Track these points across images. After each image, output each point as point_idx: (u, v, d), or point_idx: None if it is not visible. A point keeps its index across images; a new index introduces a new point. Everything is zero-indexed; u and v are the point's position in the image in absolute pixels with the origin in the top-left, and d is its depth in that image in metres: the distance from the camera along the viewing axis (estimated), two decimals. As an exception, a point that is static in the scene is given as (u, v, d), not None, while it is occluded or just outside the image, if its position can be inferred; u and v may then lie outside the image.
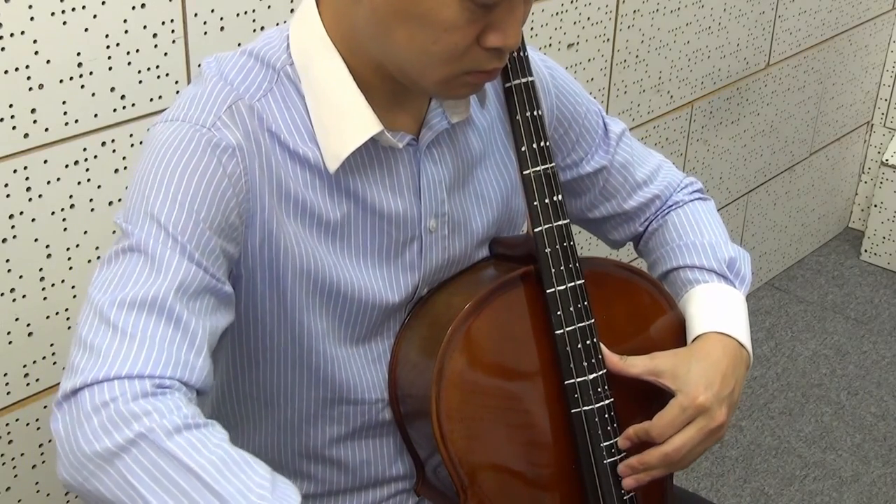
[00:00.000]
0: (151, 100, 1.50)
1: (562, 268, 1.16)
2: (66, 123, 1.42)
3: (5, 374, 1.49)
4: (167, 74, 1.50)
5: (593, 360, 1.17)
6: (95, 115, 1.45)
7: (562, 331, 1.16)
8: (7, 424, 1.52)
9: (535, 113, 1.16)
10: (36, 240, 1.45)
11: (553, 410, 1.18)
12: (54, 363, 1.53)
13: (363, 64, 1.07)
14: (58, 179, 1.44)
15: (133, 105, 1.48)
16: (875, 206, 3.28)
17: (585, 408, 1.18)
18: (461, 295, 1.18)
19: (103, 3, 1.40)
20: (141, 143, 1.49)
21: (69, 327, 1.52)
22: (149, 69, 1.48)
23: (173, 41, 1.49)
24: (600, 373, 1.18)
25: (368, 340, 1.18)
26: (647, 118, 2.42)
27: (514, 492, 1.18)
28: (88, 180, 1.47)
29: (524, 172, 1.16)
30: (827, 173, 3.26)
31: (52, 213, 1.45)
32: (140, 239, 1.00)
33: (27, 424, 1.54)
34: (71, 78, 1.40)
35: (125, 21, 1.43)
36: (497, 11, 0.99)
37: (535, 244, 1.16)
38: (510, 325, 1.17)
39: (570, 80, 1.30)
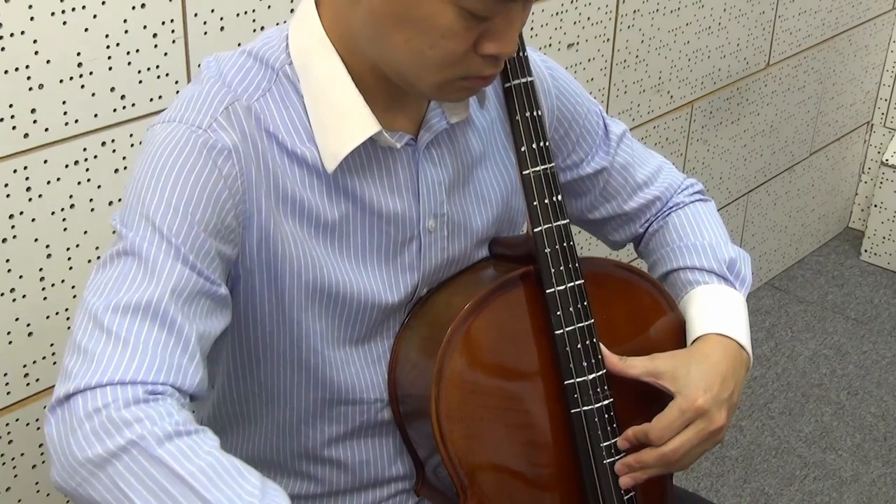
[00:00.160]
0: (151, 100, 1.50)
1: (561, 268, 1.16)
2: (66, 123, 1.42)
3: (5, 374, 1.49)
4: (167, 74, 1.50)
5: (593, 361, 1.17)
6: (95, 115, 1.45)
7: (561, 331, 1.16)
8: (7, 424, 1.52)
9: (535, 113, 1.16)
10: (36, 240, 1.45)
11: (553, 410, 1.18)
12: (54, 363, 1.53)
13: (361, 64, 1.07)
14: (58, 179, 1.44)
15: (133, 105, 1.48)
16: (875, 206, 3.28)
17: (585, 408, 1.18)
18: (461, 295, 1.18)
19: (103, 3, 1.40)
20: (141, 143, 1.49)
21: (69, 327, 1.52)
22: (149, 69, 1.48)
23: (173, 41, 1.49)
24: (600, 373, 1.18)
25: (368, 341, 1.18)
26: (647, 118, 2.42)
27: (514, 492, 1.18)
28: (88, 180, 1.47)
29: (524, 172, 1.16)
30: (827, 173, 3.26)
31: (52, 213, 1.45)
32: (135, 242, 1.00)
33: (27, 424, 1.54)
34: (71, 78, 1.40)
35: (125, 21, 1.43)
36: (494, 20, 0.99)
37: (535, 244, 1.16)
38: (510, 325, 1.17)
39: (571, 81, 1.30)
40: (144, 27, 1.45)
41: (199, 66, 1.46)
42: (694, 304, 1.27)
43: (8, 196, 1.40)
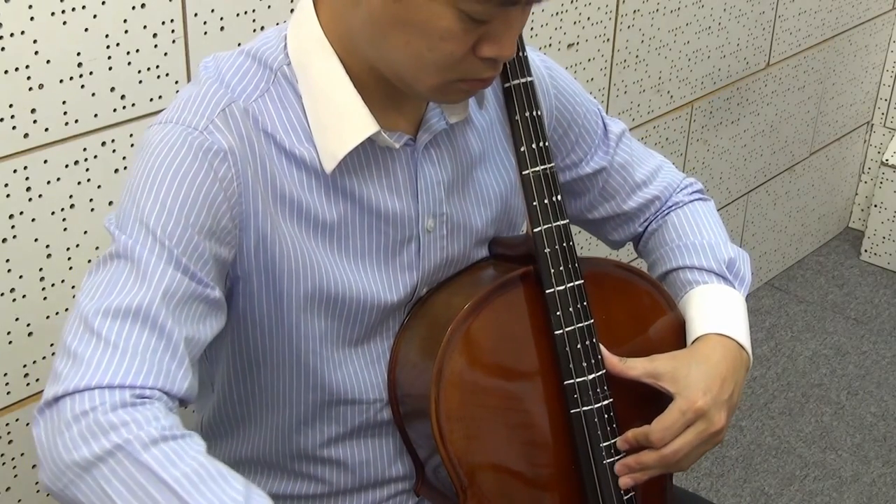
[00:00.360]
0: (151, 100, 1.50)
1: (561, 268, 1.16)
2: (66, 123, 1.42)
3: (5, 374, 1.49)
4: (167, 74, 1.50)
5: (593, 361, 1.17)
6: (95, 115, 1.45)
7: (561, 331, 1.16)
8: (7, 424, 1.52)
9: (535, 113, 1.15)
10: (36, 240, 1.45)
11: (552, 411, 1.18)
12: (54, 363, 1.53)
13: (360, 65, 1.07)
14: (58, 179, 1.44)
15: (133, 105, 1.48)
16: (875, 206, 3.28)
17: (585, 408, 1.18)
18: (461, 295, 1.18)
19: (103, 3, 1.40)
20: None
21: (69, 327, 1.52)
22: (149, 69, 1.48)
23: (173, 41, 1.49)
24: (599, 373, 1.18)
25: (367, 341, 1.18)
26: (647, 118, 2.42)
27: (514, 492, 1.18)
28: (88, 180, 1.47)
29: (523, 173, 1.16)
30: (827, 173, 3.26)
31: (52, 213, 1.45)
32: (127, 245, 1.00)
33: (27, 424, 1.54)
34: (71, 78, 1.40)
35: (125, 21, 1.43)
36: (493, 23, 0.99)
37: (535, 244, 1.16)
38: (510, 325, 1.17)
39: (570, 80, 1.30)
40: (144, 27, 1.45)
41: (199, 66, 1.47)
42: (693, 304, 1.27)
43: (8, 196, 1.40)
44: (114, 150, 1.48)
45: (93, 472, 0.91)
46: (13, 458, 1.54)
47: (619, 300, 1.24)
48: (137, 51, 1.46)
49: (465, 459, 1.14)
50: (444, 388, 1.12)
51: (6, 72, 1.34)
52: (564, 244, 1.16)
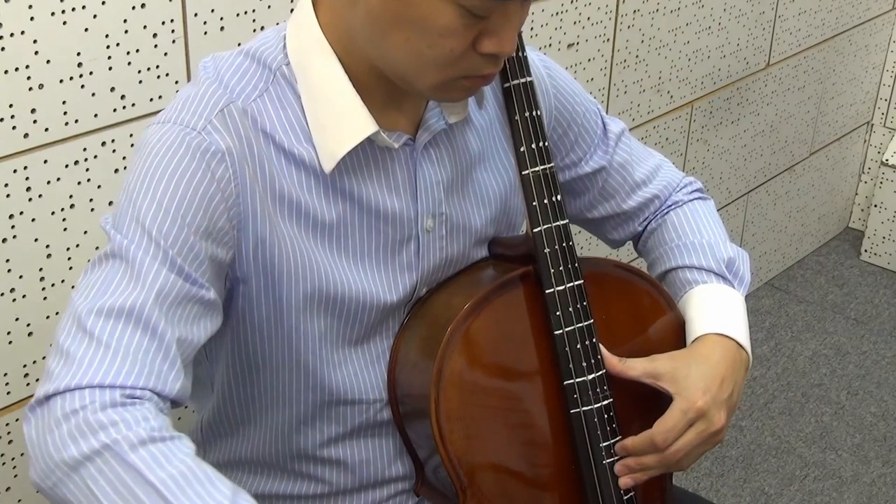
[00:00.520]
0: (151, 100, 1.50)
1: (561, 268, 1.16)
2: (66, 123, 1.42)
3: (5, 374, 1.49)
4: (167, 74, 1.50)
5: (592, 361, 1.17)
6: (95, 115, 1.45)
7: (561, 331, 1.16)
8: (7, 424, 1.52)
9: (534, 113, 1.15)
10: (36, 240, 1.45)
11: (552, 411, 1.18)
12: (54, 363, 1.53)
13: (359, 64, 1.07)
14: (58, 179, 1.44)
15: (133, 105, 1.48)
16: (875, 206, 3.28)
17: (585, 408, 1.18)
18: (460, 295, 1.18)
19: (103, 3, 1.40)
20: (141, 143, 1.50)
21: (69, 327, 1.52)
22: (149, 69, 1.48)
23: (173, 41, 1.49)
24: (599, 373, 1.18)
25: (367, 341, 1.18)
26: (647, 118, 2.42)
27: (514, 492, 1.18)
28: (88, 180, 1.47)
29: (523, 173, 1.16)
30: (827, 173, 3.26)
31: (52, 213, 1.45)
32: (123, 245, 1.00)
33: (27, 424, 1.53)
34: (71, 78, 1.40)
35: (125, 21, 1.43)
36: (493, 18, 0.99)
37: (535, 244, 1.16)
38: (509, 325, 1.17)
39: (569, 80, 1.30)
40: (144, 27, 1.45)
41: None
42: (693, 304, 1.27)
43: (8, 196, 1.40)
44: (114, 150, 1.48)
45: (80, 472, 0.91)
46: (13, 458, 1.54)
47: (618, 300, 1.24)
48: (137, 51, 1.46)
49: (465, 459, 1.14)
50: (444, 388, 1.12)
51: (6, 72, 1.34)
52: (564, 244, 1.16)
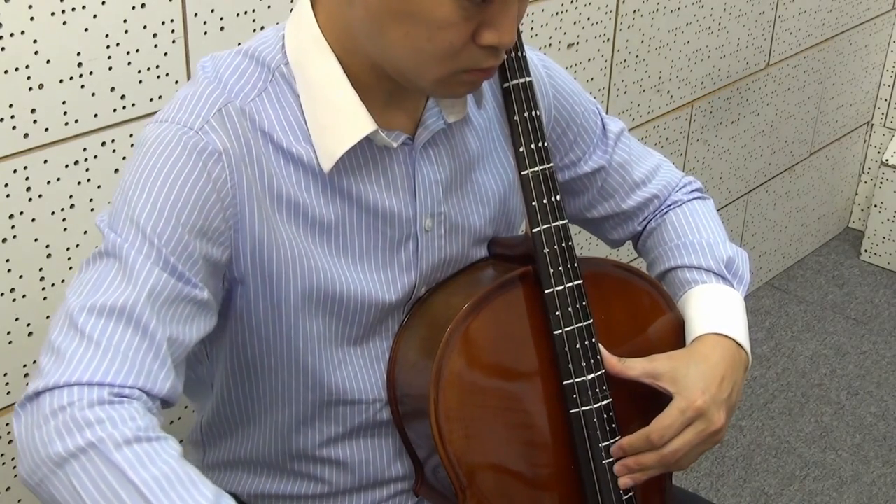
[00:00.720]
0: (151, 100, 1.50)
1: (560, 268, 1.16)
2: (66, 123, 1.42)
3: (5, 374, 1.49)
4: (167, 74, 1.50)
5: (592, 361, 1.17)
6: (95, 115, 1.45)
7: (560, 331, 1.16)
8: (7, 424, 1.52)
9: (534, 113, 1.15)
10: (36, 240, 1.45)
11: (552, 411, 1.18)
12: (54, 363, 1.53)
13: (358, 63, 1.07)
14: (58, 179, 1.44)
15: (133, 105, 1.48)
16: (875, 206, 3.28)
17: (584, 408, 1.18)
18: (460, 295, 1.18)
19: (103, 3, 1.40)
20: (141, 143, 1.50)
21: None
22: (149, 69, 1.48)
23: (173, 41, 1.50)
24: (599, 373, 1.18)
25: (366, 341, 1.18)
26: (647, 118, 2.42)
27: (513, 492, 1.18)
28: (88, 180, 1.47)
29: (522, 173, 1.16)
30: (827, 173, 3.26)
31: (52, 213, 1.45)
32: (116, 243, 1.00)
33: (27, 424, 1.53)
34: (71, 78, 1.40)
35: (125, 21, 1.43)
36: (491, 9, 0.99)
37: (534, 244, 1.16)
38: (509, 325, 1.17)
39: (569, 80, 1.30)
40: (144, 27, 1.45)
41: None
42: (692, 304, 1.27)
43: (8, 196, 1.40)
44: (114, 150, 1.49)
45: (65, 468, 0.91)
46: (13, 459, 1.54)
47: (618, 300, 1.24)
48: (137, 51, 1.46)
49: (465, 460, 1.14)
50: (444, 389, 1.12)
51: (6, 72, 1.34)
52: (563, 244, 1.16)
